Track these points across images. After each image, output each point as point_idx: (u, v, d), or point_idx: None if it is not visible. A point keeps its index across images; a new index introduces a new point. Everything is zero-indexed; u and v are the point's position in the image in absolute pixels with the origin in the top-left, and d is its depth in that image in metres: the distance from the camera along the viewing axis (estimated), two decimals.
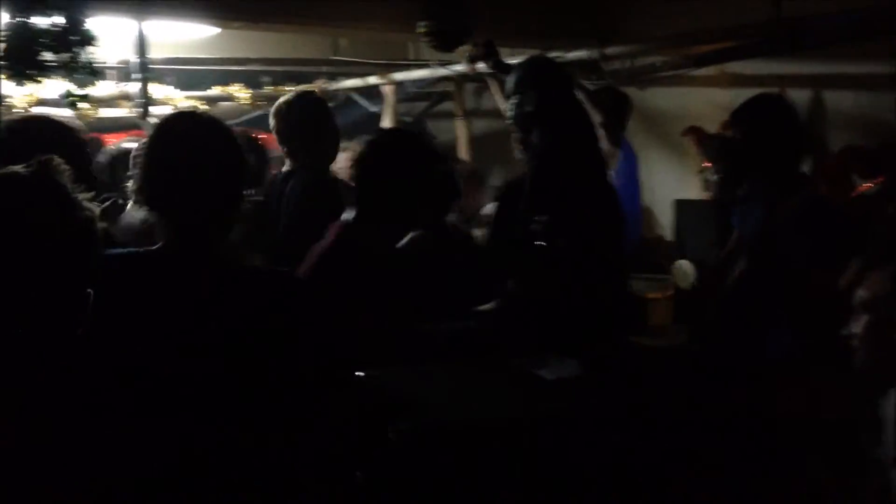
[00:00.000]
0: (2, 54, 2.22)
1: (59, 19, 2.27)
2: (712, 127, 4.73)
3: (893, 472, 1.81)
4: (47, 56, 2.22)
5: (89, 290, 1.37)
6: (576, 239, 2.61)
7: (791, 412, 2.06)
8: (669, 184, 5.09)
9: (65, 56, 2.20)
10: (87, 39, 2.22)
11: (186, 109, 3.95)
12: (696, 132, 4.83)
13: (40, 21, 2.28)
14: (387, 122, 4.80)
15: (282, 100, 3.46)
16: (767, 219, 3.31)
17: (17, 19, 2.26)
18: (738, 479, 1.79)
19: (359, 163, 2.32)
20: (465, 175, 4.30)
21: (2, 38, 2.23)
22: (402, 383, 1.85)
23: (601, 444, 1.65)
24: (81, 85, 2.42)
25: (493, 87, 4.23)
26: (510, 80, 3.01)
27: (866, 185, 4.15)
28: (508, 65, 3.81)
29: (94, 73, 2.29)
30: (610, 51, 3.98)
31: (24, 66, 2.17)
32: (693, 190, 4.74)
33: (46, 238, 1.32)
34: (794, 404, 2.13)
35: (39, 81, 2.19)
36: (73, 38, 2.17)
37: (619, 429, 1.71)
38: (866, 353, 2.02)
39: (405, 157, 2.31)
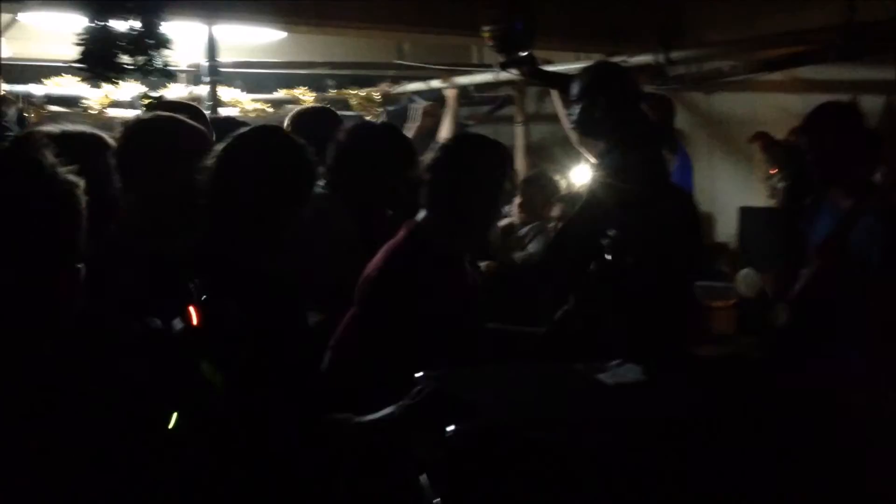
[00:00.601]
0: (80, 57, 2.29)
1: (136, 23, 2.32)
2: (780, 133, 4.63)
3: None
4: (124, 59, 2.28)
5: (80, 265, 1.31)
6: (645, 256, 2.58)
7: (859, 434, 1.99)
8: (734, 191, 5.00)
9: (140, 59, 2.26)
10: (163, 43, 2.29)
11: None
12: (763, 138, 4.73)
13: (117, 25, 2.34)
14: (447, 126, 4.81)
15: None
16: (837, 229, 3.23)
17: (96, 23, 2.32)
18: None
19: (434, 164, 2.33)
20: (529, 181, 4.28)
21: (81, 42, 2.31)
22: (462, 384, 1.85)
23: (661, 452, 1.62)
24: (155, 87, 2.49)
25: (554, 92, 4.21)
26: (575, 86, 2.99)
27: None
28: (545, 72, 3.80)
29: (168, 75, 2.36)
30: (675, 55, 3.93)
31: (102, 68, 2.23)
32: (759, 197, 4.65)
33: (15, 209, 1.24)
34: (864, 426, 2.07)
35: (116, 83, 2.26)
36: (149, 42, 2.23)
37: (679, 437, 1.69)
38: None
39: (480, 160, 2.32)
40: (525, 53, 3.63)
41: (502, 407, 1.76)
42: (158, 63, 2.30)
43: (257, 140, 1.98)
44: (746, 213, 4.91)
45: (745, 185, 4.93)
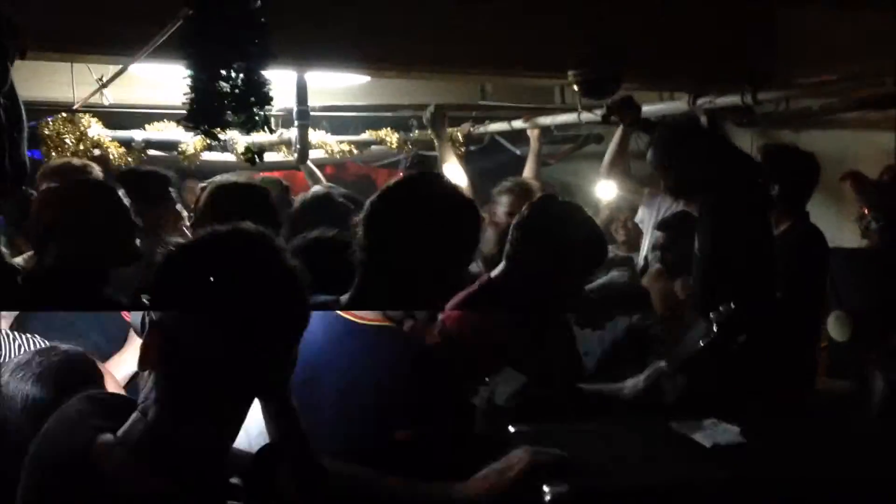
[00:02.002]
0: (187, 114, 2.40)
1: (240, 79, 2.42)
2: (873, 171, 4.52)
3: None
4: (228, 115, 2.38)
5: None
6: (758, 333, 2.53)
7: None
8: (825, 231, 4.88)
9: (243, 116, 2.36)
10: (265, 100, 2.38)
11: None
12: (855, 177, 4.62)
13: (222, 82, 2.44)
14: (530, 166, 4.84)
15: None
16: None
17: (202, 79, 2.43)
18: None
19: (520, 223, 2.35)
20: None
21: (187, 100, 2.42)
22: (556, 441, 1.85)
23: None
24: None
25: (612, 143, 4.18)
26: (650, 153, 2.97)
27: None
28: (649, 122, 3.76)
29: (270, 131, 2.45)
30: (762, 95, 3.88)
31: (208, 125, 2.34)
32: (851, 238, 4.53)
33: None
34: None
35: (219, 140, 2.37)
36: (252, 100, 2.33)
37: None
38: None
39: (561, 226, 2.32)
40: (627, 106, 3.62)
41: (598, 467, 1.76)
42: (260, 119, 2.39)
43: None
44: (838, 254, 4.79)
45: (836, 225, 4.80)
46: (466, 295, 2.37)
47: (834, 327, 3.80)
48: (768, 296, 3.18)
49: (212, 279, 1.33)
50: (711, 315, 2.60)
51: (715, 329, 2.52)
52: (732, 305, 2.51)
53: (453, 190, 2.01)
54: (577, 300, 2.51)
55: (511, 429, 1.97)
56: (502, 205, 3.76)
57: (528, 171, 4.80)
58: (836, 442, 1.90)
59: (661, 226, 3.52)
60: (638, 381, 2.35)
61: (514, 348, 2.20)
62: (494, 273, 2.38)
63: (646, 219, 4.03)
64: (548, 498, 1.65)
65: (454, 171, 4.36)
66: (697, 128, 3.22)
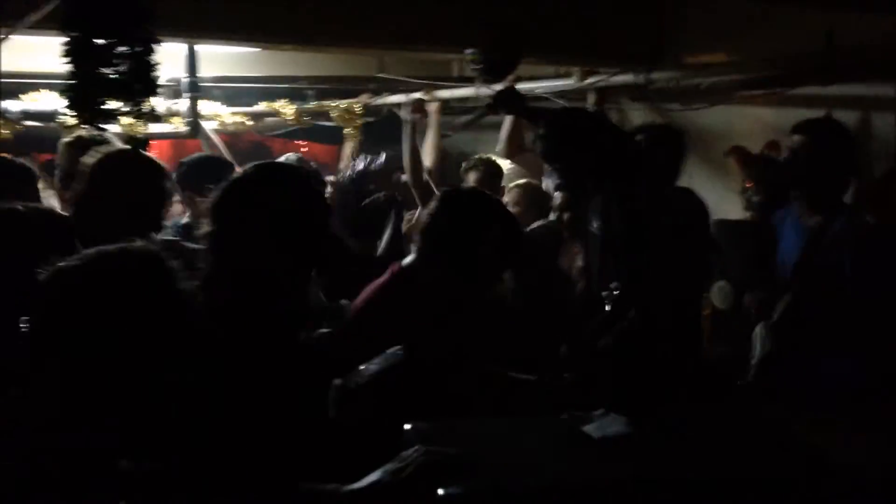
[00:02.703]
0: (68, 103, 2.29)
1: (124, 66, 2.32)
2: (756, 146, 4.71)
3: None
4: (111, 103, 2.28)
5: None
6: (648, 310, 2.61)
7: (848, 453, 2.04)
8: (710, 203, 5.06)
9: (128, 106, 2.26)
10: (152, 88, 2.29)
11: None
12: (739, 152, 4.80)
13: (105, 68, 2.33)
14: (430, 139, 4.83)
15: None
16: (812, 243, 3.31)
17: (84, 66, 2.32)
18: None
19: (431, 215, 2.35)
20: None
21: (66, 87, 2.30)
22: (450, 439, 1.87)
23: None
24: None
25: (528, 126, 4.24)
26: (539, 144, 3.02)
27: None
28: (534, 111, 3.80)
29: (156, 120, 2.36)
30: (656, 75, 3.98)
31: (89, 114, 2.24)
32: (735, 210, 4.72)
33: None
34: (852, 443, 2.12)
35: (103, 129, 2.27)
36: (138, 87, 2.24)
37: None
38: None
39: (477, 220, 2.33)
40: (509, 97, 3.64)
41: (493, 465, 1.79)
42: (147, 108, 2.30)
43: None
44: (721, 226, 4.99)
45: (721, 197, 4.99)
46: (378, 285, 2.37)
47: (717, 296, 3.96)
48: (656, 273, 3.30)
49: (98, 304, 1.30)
50: (603, 293, 2.69)
51: (607, 306, 2.61)
52: (620, 283, 2.61)
53: (304, 181, 1.97)
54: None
55: (406, 426, 1.98)
56: (469, 183, 3.83)
57: (428, 143, 4.80)
58: (716, 436, 1.98)
59: (559, 187, 3.61)
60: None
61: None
62: (406, 262, 2.38)
63: (551, 188, 4.10)
64: (441, 500, 1.67)
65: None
66: (583, 116, 3.28)
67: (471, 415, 2.10)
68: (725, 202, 4.93)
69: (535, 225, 3.98)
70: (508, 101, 3.50)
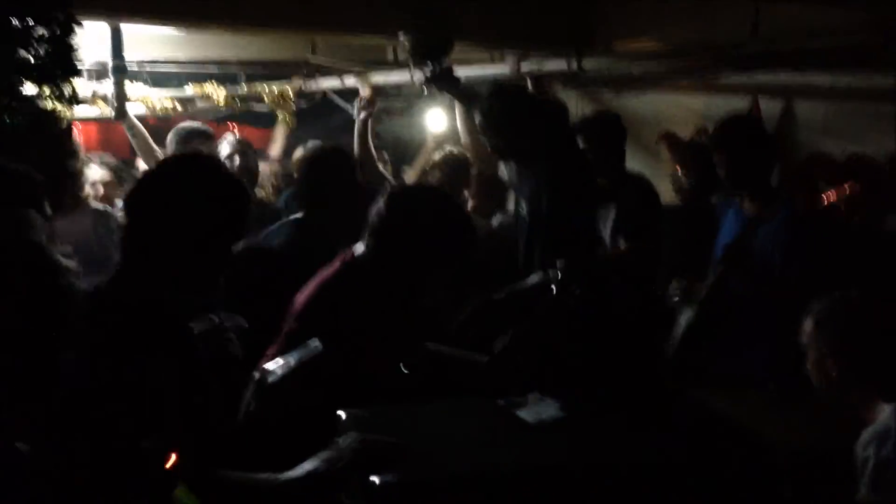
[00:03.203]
0: None
1: (43, 49, 2.24)
2: (686, 132, 4.79)
3: None
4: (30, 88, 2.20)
5: None
6: (593, 287, 2.63)
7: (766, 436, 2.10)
8: None
9: (47, 89, 2.18)
10: (73, 70, 2.21)
11: None
12: (669, 138, 4.89)
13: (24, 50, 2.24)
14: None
15: None
16: (742, 234, 3.40)
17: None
18: None
19: (384, 208, 2.32)
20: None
21: None
22: (385, 425, 1.86)
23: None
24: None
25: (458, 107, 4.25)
26: (477, 116, 3.02)
27: (831, 193, 4.26)
28: (468, 91, 3.82)
29: (79, 102, 2.28)
30: (587, 62, 4.02)
31: (7, 98, 2.15)
32: (666, 195, 4.80)
33: None
34: (770, 427, 2.18)
35: (18, 119, 2.16)
36: (57, 72, 2.16)
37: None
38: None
39: (427, 220, 2.29)
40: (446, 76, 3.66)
41: (428, 453, 1.80)
42: (68, 91, 2.22)
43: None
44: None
45: (654, 182, 5.08)
46: (328, 274, 2.34)
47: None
48: (596, 250, 3.35)
49: None
50: (549, 272, 2.71)
51: (552, 284, 2.64)
52: (565, 261, 2.64)
53: (220, 174, 1.94)
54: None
55: (342, 414, 1.97)
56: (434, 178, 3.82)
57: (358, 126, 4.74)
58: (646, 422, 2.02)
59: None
60: (496, 345, 2.40)
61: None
62: (357, 252, 2.36)
63: (507, 173, 4.12)
64: (376, 488, 1.67)
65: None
66: (521, 96, 3.30)
67: (407, 400, 2.10)
68: (658, 187, 5.02)
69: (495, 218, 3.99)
70: (445, 80, 3.53)
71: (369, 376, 2.11)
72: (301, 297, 2.34)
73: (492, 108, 3.12)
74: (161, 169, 1.99)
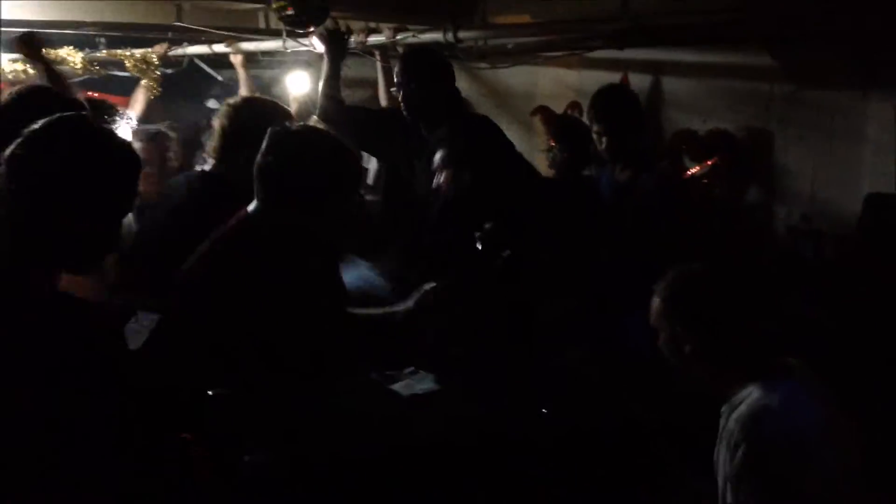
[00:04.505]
0: None
1: None
2: (560, 107, 4.88)
3: None
4: None
5: None
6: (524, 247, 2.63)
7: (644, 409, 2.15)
8: None
9: None
10: None
11: None
12: (544, 112, 4.96)
13: None
14: (244, 91, 4.60)
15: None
16: (618, 200, 3.49)
17: None
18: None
19: (264, 154, 2.23)
20: None
21: None
22: (256, 404, 1.81)
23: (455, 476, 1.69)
24: None
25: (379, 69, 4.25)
26: (396, 72, 3.06)
27: (696, 168, 4.45)
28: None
29: None
30: (463, 34, 4.02)
31: None
32: (540, 168, 4.88)
33: None
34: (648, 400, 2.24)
35: None
36: None
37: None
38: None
39: (313, 148, 2.24)
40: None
41: (298, 430, 1.76)
42: None
43: None
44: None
45: (528, 156, 5.14)
46: (224, 231, 2.24)
47: None
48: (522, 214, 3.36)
49: None
50: (476, 234, 2.71)
51: (479, 246, 2.64)
52: (493, 224, 2.63)
53: (107, 137, 1.82)
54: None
55: (209, 392, 1.90)
56: None
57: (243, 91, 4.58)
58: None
59: None
60: (409, 302, 2.35)
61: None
62: (250, 208, 2.27)
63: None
64: (246, 466, 1.63)
65: None
66: (429, 58, 3.37)
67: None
68: (533, 161, 5.10)
69: None
70: (337, 41, 3.52)
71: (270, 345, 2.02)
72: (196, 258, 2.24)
73: (410, 59, 3.19)
74: (34, 132, 1.82)
